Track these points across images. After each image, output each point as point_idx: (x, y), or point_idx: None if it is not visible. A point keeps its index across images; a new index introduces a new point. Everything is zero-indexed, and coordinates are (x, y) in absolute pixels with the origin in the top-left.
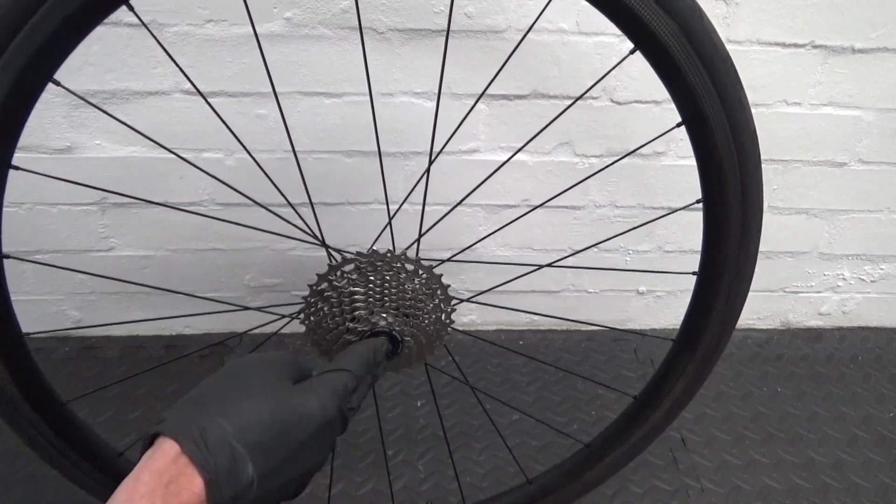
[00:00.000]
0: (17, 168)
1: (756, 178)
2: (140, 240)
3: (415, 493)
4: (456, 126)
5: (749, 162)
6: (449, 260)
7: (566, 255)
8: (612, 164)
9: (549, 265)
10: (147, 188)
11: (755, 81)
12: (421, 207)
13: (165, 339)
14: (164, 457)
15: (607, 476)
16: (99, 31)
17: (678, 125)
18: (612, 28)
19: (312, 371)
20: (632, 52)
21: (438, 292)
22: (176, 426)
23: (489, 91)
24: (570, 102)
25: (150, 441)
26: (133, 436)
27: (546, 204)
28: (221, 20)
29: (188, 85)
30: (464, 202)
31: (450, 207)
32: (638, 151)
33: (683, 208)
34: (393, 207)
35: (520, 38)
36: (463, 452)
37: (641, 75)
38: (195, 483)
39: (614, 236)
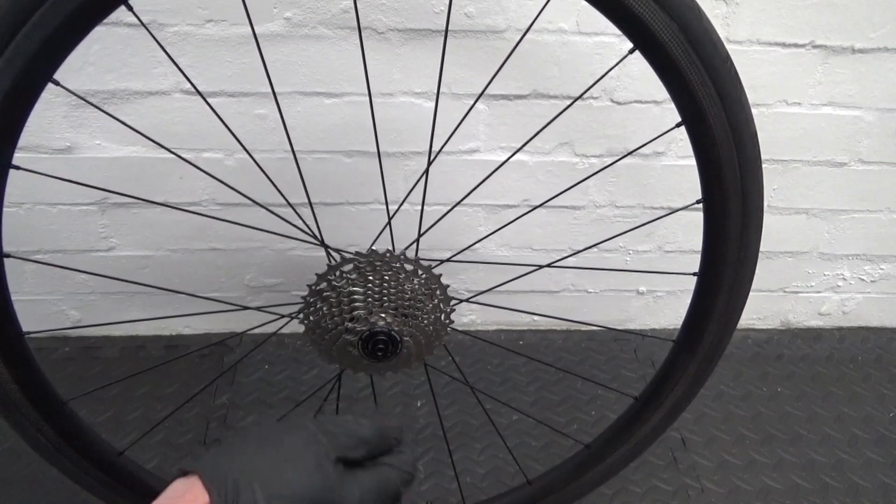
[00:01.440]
0: (17, 168)
1: (756, 179)
2: (140, 240)
3: (415, 492)
4: (456, 126)
5: (749, 162)
6: (448, 260)
7: (566, 255)
8: (612, 164)
9: (549, 265)
10: (147, 188)
11: (755, 81)
12: (420, 207)
13: (165, 339)
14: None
15: (607, 477)
16: (99, 31)
17: (678, 125)
18: (612, 28)
19: (361, 450)
20: (631, 51)
21: (438, 292)
22: (213, 474)
23: (489, 91)
24: (570, 102)
25: (182, 472)
26: (133, 435)
27: (546, 204)
28: (221, 20)
29: (188, 85)
30: (464, 202)
31: (449, 207)
32: (638, 151)
33: (684, 208)
34: (392, 207)
35: (519, 37)
36: (463, 452)
37: (641, 75)
38: None
39: (614, 236)
